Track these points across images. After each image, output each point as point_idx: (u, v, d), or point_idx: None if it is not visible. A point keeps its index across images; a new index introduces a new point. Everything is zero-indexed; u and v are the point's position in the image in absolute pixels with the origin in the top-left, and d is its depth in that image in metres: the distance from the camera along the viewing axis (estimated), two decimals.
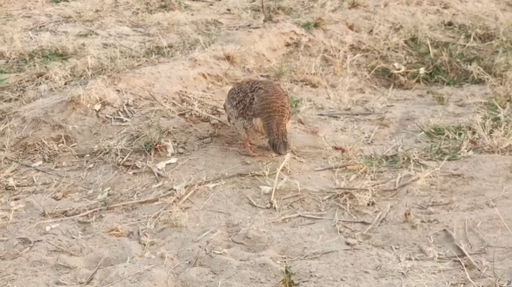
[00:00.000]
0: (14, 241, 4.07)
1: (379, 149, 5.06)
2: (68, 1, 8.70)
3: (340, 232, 4.08)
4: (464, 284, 3.53)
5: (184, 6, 8.56)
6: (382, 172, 4.70)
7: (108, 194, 4.58)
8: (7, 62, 6.72)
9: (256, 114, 4.78)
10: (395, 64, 6.79)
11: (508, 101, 5.79)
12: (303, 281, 3.60)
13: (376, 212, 4.25)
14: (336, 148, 5.04)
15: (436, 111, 5.77)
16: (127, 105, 5.44)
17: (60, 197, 4.59)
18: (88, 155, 5.03)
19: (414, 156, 4.81)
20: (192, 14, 8.28)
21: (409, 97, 6.26)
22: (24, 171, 4.92)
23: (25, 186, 4.74)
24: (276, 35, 6.94)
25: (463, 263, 3.70)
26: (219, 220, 4.22)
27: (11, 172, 4.90)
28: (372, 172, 4.69)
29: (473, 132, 5.14)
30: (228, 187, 4.52)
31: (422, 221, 4.09)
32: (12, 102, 5.76)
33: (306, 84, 6.36)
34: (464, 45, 7.18)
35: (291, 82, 6.31)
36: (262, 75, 6.30)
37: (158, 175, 4.70)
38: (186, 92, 5.73)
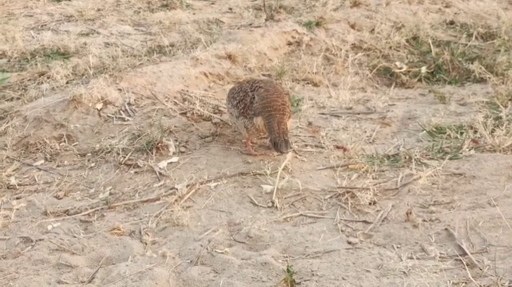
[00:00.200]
0: (15, 240, 4.07)
1: (381, 148, 5.06)
2: (69, 0, 8.71)
3: (341, 231, 4.08)
4: (465, 283, 3.53)
5: (186, 5, 8.57)
6: (383, 171, 4.70)
7: (110, 193, 4.58)
8: (9, 61, 6.72)
9: (257, 113, 4.78)
10: (397, 63, 6.79)
11: (510, 100, 5.78)
12: (305, 280, 3.60)
13: (377, 211, 4.25)
14: (338, 147, 5.04)
15: (438, 110, 5.76)
16: (129, 104, 5.44)
17: (61, 196, 4.60)
18: (90, 154, 5.03)
19: (416, 155, 4.81)
20: (193, 13, 8.29)
21: (410, 96, 6.26)
22: (26, 170, 4.92)
23: (27, 185, 4.75)
24: (278, 34, 6.94)
25: (464, 262, 3.69)
26: (221, 219, 4.22)
27: (13, 171, 4.91)
28: (374, 171, 4.69)
29: (475, 132, 5.14)
30: (229, 186, 4.52)
31: (424, 220, 4.09)
32: (14, 101, 5.76)
33: (308, 83, 6.36)
34: (466, 44, 7.18)
35: (293, 81, 6.31)
36: (263, 75, 6.30)
37: (160, 174, 4.70)
38: (187, 91, 5.73)
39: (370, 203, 4.31)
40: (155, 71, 5.89)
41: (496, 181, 4.45)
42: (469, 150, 4.86)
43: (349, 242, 3.95)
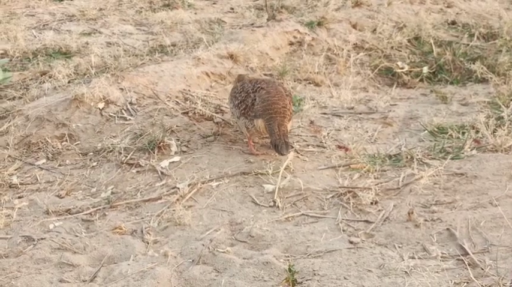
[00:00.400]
0: (17, 238, 4.07)
1: (383, 148, 5.06)
2: (71, 0, 8.71)
3: (343, 230, 4.08)
4: (467, 283, 3.53)
5: (187, 5, 8.57)
6: (385, 171, 4.70)
7: (112, 193, 4.58)
8: (11, 60, 6.72)
9: (257, 116, 4.79)
10: (399, 63, 6.79)
11: None
12: (306, 280, 3.60)
13: (379, 211, 4.25)
14: (340, 147, 5.04)
15: (440, 110, 5.76)
16: (130, 103, 5.45)
17: (63, 195, 4.60)
18: (91, 153, 5.03)
19: (417, 155, 4.81)
20: (195, 13, 8.29)
21: (412, 96, 6.26)
22: (27, 169, 4.93)
23: (29, 184, 4.75)
24: (280, 34, 6.94)
25: (466, 262, 3.69)
26: (222, 219, 4.22)
27: (15, 170, 4.91)
28: (375, 170, 4.69)
29: (477, 132, 5.14)
30: (231, 185, 4.53)
31: (426, 220, 4.09)
32: (16, 101, 5.76)
33: (309, 83, 6.36)
34: (468, 44, 7.18)
35: (295, 81, 6.31)
36: (265, 74, 6.30)
37: (161, 173, 4.71)
38: (189, 90, 5.73)
39: (371, 203, 4.31)
40: (157, 70, 5.89)
41: (498, 181, 4.45)
42: (471, 150, 4.86)
43: (351, 242, 3.95)
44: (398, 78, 6.65)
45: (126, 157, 4.88)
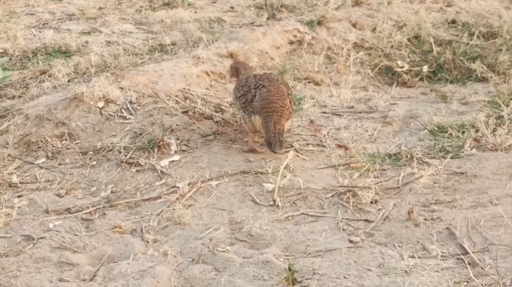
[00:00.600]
0: (17, 237, 4.07)
1: (382, 147, 5.06)
2: None
3: (343, 229, 4.08)
4: (467, 282, 3.53)
5: (187, 3, 8.56)
6: (385, 170, 4.70)
7: (111, 192, 4.58)
8: (10, 59, 6.72)
9: (255, 112, 4.83)
10: (399, 62, 6.78)
11: None
12: (306, 279, 3.60)
13: (379, 210, 4.25)
14: (339, 146, 5.04)
15: (440, 109, 5.76)
16: (130, 102, 5.44)
17: (63, 194, 4.60)
18: (91, 152, 5.03)
19: (417, 154, 4.81)
20: (195, 12, 8.28)
21: (412, 95, 6.26)
22: (27, 168, 4.93)
23: (28, 183, 4.75)
24: (279, 33, 6.93)
25: (466, 261, 3.69)
26: (222, 218, 4.22)
27: (15, 169, 4.91)
28: (375, 169, 4.69)
29: (477, 131, 5.14)
30: (231, 184, 4.53)
31: (426, 219, 4.09)
32: (16, 100, 5.76)
33: (309, 82, 6.36)
34: (468, 43, 7.18)
35: (294, 80, 6.31)
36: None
37: (161, 172, 4.71)
38: (189, 89, 5.73)
39: (371, 202, 4.31)
40: (157, 69, 5.89)
41: (498, 180, 4.44)
42: (471, 149, 4.86)
43: (351, 241, 3.95)
44: (398, 77, 6.65)
45: (126, 156, 4.88)
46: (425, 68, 6.69)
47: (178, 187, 4.47)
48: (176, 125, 5.19)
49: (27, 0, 8.62)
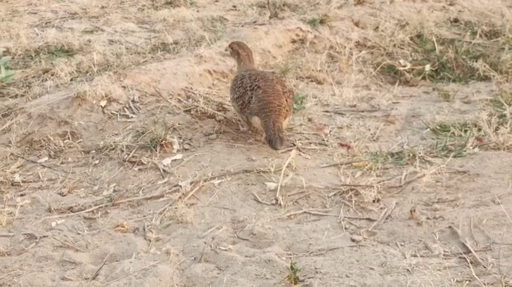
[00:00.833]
0: (20, 236, 4.08)
1: (385, 146, 5.06)
2: None
3: (345, 228, 4.08)
4: (469, 281, 3.53)
5: (189, 2, 8.57)
6: (387, 169, 4.70)
7: (114, 190, 4.59)
8: (13, 58, 6.73)
9: (253, 113, 4.92)
10: (401, 61, 6.78)
11: None
12: (308, 278, 3.60)
13: (381, 208, 4.25)
14: (342, 145, 5.04)
15: (442, 108, 5.76)
16: (133, 101, 5.45)
17: (65, 193, 4.60)
18: (94, 151, 5.04)
19: (420, 153, 4.81)
20: (197, 11, 8.29)
21: (414, 94, 6.25)
22: (30, 167, 4.93)
23: (31, 182, 4.75)
24: (282, 32, 6.93)
25: (468, 260, 3.69)
26: (225, 216, 4.22)
27: (17, 167, 4.91)
28: (378, 168, 4.68)
29: (479, 130, 5.14)
30: (233, 183, 4.53)
31: (428, 218, 4.09)
32: (18, 98, 5.77)
33: (312, 81, 6.36)
34: (470, 42, 7.17)
35: (297, 79, 6.31)
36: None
37: (164, 171, 4.71)
38: (191, 88, 5.73)
39: (373, 201, 4.31)
40: (159, 68, 5.89)
41: (500, 179, 4.44)
42: (473, 148, 4.86)
43: (353, 240, 3.95)
44: (401, 76, 6.65)
45: (128, 154, 4.88)
46: (427, 67, 6.69)
47: (180, 186, 4.48)
48: (178, 124, 5.20)
49: None
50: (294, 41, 6.93)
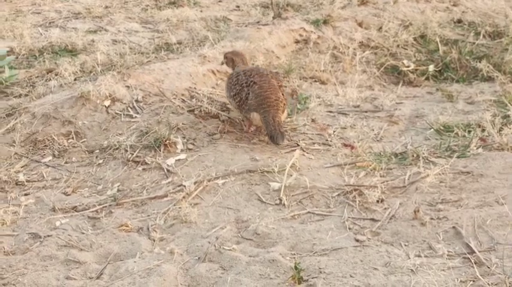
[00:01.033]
0: (24, 236, 4.08)
1: (389, 146, 5.06)
2: None
3: (349, 228, 4.08)
4: (473, 281, 3.53)
5: (193, 2, 8.58)
6: (391, 169, 4.70)
7: (118, 190, 4.59)
8: (17, 58, 6.74)
9: (252, 110, 4.98)
10: (405, 61, 6.78)
11: None
12: (312, 278, 3.60)
13: (385, 209, 4.25)
14: (345, 145, 5.05)
15: (446, 108, 5.76)
16: (136, 101, 5.45)
17: (70, 193, 4.61)
18: (98, 150, 5.04)
19: (423, 153, 4.81)
20: (201, 11, 8.29)
21: (418, 94, 6.26)
22: (34, 166, 4.94)
23: (35, 181, 4.76)
24: (285, 32, 6.94)
25: (472, 261, 3.69)
26: (228, 216, 4.22)
27: (21, 167, 4.92)
28: (381, 169, 4.69)
29: (483, 130, 5.14)
30: (237, 183, 4.53)
31: (432, 218, 4.09)
32: (22, 98, 5.77)
33: (315, 81, 6.36)
34: (474, 43, 7.17)
35: (300, 79, 6.31)
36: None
37: (167, 170, 4.71)
38: (195, 88, 5.74)
39: (377, 201, 4.31)
40: (163, 68, 5.90)
41: (504, 179, 4.44)
42: (477, 148, 4.86)
43: (357, 240, 3.95)
44: (404, 76, 6.65)
45: (132, 154, 4.89)
46: (431, 68, 6.69)
47: (184, 186, 4.48)
48: (182, 123, 5.20)
49: None
50: (297, 41, 6.93)
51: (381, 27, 7.34)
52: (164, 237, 4.06)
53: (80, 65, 6.31)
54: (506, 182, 4.41)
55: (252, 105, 4.97)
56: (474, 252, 3.75)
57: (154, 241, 4.01)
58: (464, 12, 8.01)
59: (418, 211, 4.11)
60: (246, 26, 7.27)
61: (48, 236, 4.06)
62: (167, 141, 4.95)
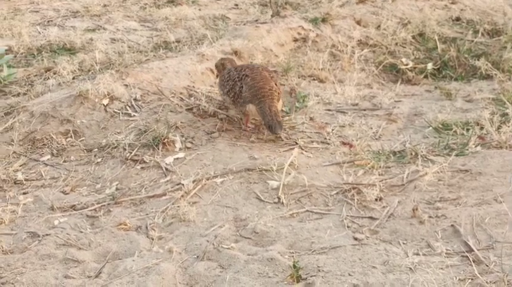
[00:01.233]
0: (22, 234, 4.08)
1: (387, 145, 5.06)
2: None
3: (347, 227, 4.08)
4: (472, 279, 3.53)
5: (191, 1, 8.57)
6: (389, 167, 4.70)
7: (116, 189, 4.59)
8: (15, 56, 6.73)
9: (247, 102, 5.02)
10: (403, 59, 6.78)
11: None
12: (311, 276, 3.60)
13: (383, 207, 4.25)
14: (344, 143, 5.05)
15: (444, 106, 5.76)
16: (135, 100, 5.45)
17: (68, 192, 4.61)
18: (96, 149, 5.04)
19: (422, 151, 4.81)
20: (199, 9, 8.29)
21: (416, 92, 6.26)
22: (32, 165, 4.93)
23: (33, 180, 4.76)
24: (284, 30, 6.93)
25: (470, 259, 3.69)
26: (227, 215, 4.22)
27: (20, 166, 4.92)
28: (380, 167, 4.69)
29: (481, 128, 5.14)
30: (235, 181, 4.53)
31: (430, 217, 4.09)
32: (21, 97, 5.77)
33: (314, 79, 6.36)
34: (472, 41, 7.17)
35: (299, 77, 6.31)
36: None
37: (166, 169, 4.71)
38: (193, 87, 5.73)
39: (376, 199, 4.31)
40: (161, 66, 5.90)
41: (503, 178, 4.44)
42: (475, 146, 4.86)
43: (355, 238, 3.95)
44: (403, 74, 6.64)
45: (131, 153, 4.89)
46: (429, 66, 6.69)
47: (183, 184, 4.48)
48: (181, 122, 5.20)
49: None
50: (296, 40, 6.93)
51: (379, 26, 7.34)
52: (163, 236, 4.06)
53: (79, 63, 6.31)
54: (505, 180, 4.41)
55: (247, 97, 5.00)
56: (472, 250, 3.76)
57: (152, 239, 4.01)
58: (463, 10, 8.01)
59: (417, 209, 4.12)
60: (244, 24, 7.26)
61: (47, 235, 4.06)
62: (165, 139, 4.95)
